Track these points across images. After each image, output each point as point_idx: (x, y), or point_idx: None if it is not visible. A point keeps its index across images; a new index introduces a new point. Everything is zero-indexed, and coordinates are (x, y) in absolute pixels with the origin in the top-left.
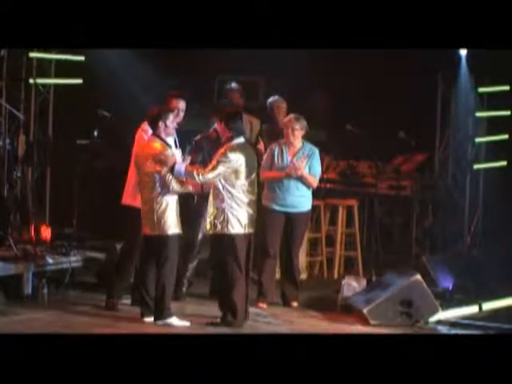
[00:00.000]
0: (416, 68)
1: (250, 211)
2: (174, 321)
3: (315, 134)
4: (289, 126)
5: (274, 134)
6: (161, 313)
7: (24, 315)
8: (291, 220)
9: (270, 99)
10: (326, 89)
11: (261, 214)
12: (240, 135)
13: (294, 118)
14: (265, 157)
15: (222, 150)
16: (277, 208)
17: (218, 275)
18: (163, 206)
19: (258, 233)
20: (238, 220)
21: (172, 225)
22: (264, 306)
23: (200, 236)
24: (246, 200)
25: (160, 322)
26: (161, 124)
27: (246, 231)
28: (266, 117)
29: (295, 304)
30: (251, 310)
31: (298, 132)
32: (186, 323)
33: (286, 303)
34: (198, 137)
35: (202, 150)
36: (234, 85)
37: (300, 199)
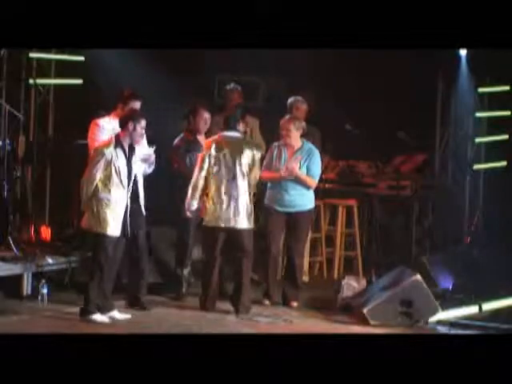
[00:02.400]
0: (416, 68)
1: (230, 205)
2: (98, 317)
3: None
4: (284, 128)
5: None
6: (84, 308)
7: (23, 315)
8: (292, 219)
9: (291, 99)
10: (325, 89)
11: (263, 214)
12: (229, 129)
13: (288, 118)
14: (266, 157)
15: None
16: (277, 208)
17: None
18: (98, 203)
19: (260, 233)
20: (213, 213)
21: (98, 223)
22: (267, 302)
23: (191, 234)
24: (225, 194)
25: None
26: (130, 125)
27: (222, 225)
28: (266, 116)
29: (295, 304)
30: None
31: (293, 133)
32: (106, 320)
33: (285, 303)
34: (177, 141)
35: (188, 152)
36: (233, 85)
37: (299, 198)
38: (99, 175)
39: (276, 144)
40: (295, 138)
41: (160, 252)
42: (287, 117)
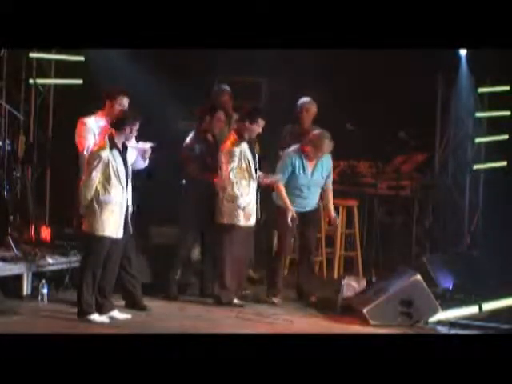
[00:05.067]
0: (416, 68)
1: (241, 203)
2: (96, 317)
3: None
4: (318, 146)
5: (298, 134)
6: (80, 309)
7: (24, 315)
8: (306, 218)
9: (301, 100)
10: (325, 88)
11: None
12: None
13: (327, 139)
14: (281, 162)
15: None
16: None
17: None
18: (100, 206)
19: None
20: (227, 210)
21: (101, 226)
22: (277, 300)
23: (192, 235)
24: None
25: (81, 319)
26: (127, 128)
27: (233, 222)
28: (267, 116)
29: (314, 298)
30: (255, 308)
31: (322, 154)
32: (106, 320)
33: (304, 298)
34: (188, 141)
35: (203, 153)
36: (222, 86)
37: (313, 197)
38: (98, 178)
39: (295, 154)
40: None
41: (160, 252)
42: (325, 135)
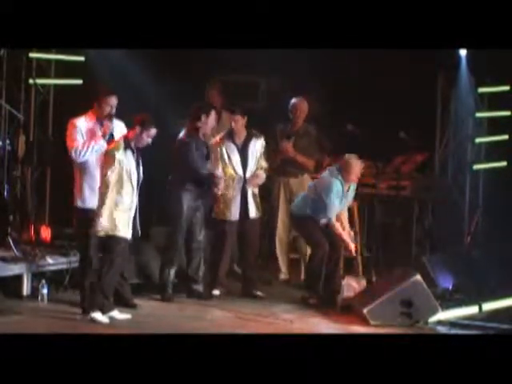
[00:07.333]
0: (416, 68)
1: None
2: (99, 316)
3: None
4: (348, 170)
5: (290, 134)
6: (84, 307)
7: (23, 315)
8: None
9: (297, 100)
10: (325, 89)
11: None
12: None
13: (354, 159)
14: (327, 190)
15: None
16: (322, 220)
17: None
18: (112, 207)
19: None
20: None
21: (114, 227)
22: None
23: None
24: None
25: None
26: (137, 129)
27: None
28: (267, 117)
29: (314, 299)
30: (255, 308)
31: (355, 176)
32: (106, 320)
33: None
34: (181, 138)
35: (196, 150)
36: (212, 82)
37: None
38: (112, 178)
39: (339, 179)
40: None
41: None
42: (345, 156)
